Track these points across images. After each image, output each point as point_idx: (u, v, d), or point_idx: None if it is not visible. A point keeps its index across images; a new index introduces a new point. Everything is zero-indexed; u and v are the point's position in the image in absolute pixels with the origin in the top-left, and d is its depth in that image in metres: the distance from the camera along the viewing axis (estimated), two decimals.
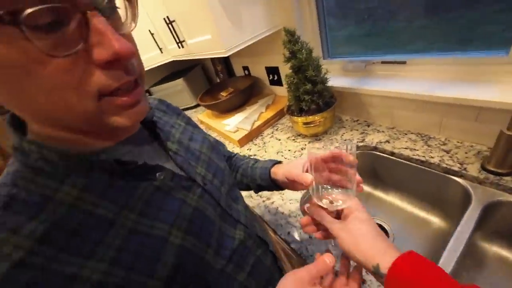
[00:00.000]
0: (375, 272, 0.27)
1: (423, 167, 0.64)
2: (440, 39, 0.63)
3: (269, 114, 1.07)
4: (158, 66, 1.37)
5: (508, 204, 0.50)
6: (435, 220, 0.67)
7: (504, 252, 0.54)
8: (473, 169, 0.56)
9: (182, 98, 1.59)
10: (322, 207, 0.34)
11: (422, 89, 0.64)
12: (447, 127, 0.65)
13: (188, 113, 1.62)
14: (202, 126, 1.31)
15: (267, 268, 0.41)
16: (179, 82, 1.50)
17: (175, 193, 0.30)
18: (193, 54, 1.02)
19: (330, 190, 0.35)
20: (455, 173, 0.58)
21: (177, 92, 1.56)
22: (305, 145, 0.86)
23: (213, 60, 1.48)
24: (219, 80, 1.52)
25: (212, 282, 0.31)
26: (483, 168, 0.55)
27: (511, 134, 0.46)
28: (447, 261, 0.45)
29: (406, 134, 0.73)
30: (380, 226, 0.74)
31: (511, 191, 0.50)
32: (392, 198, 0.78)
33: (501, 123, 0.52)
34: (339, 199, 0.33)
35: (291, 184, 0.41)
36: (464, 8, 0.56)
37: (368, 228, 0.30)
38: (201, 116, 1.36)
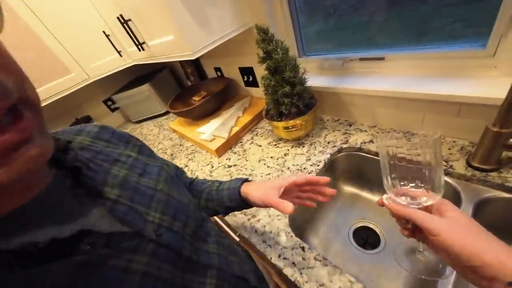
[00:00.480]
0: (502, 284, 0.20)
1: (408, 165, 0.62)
2: (400, 33, 0.62)
3: (247, 118, 1.00)
4: (120, 71, 1.22)
5: (497, 200, 0.49)
6: None
7: None
8: (459, 166, 0.55)
9: (150, 105, 1.45)
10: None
11: (401, 86, 0.62)
12: (429, 123, 0.64)
13: (158, 121, 1.49)
14: (174, 136, 1.20)
15: None
16: (145, 88, 1.36)
17: (113, 262, 0.22)
18: (157, 57, 0.91)
19: (406, 185, 0.31)
20: None
21: (144, 99, 1.42)
22: (288, 150, 0.81)
23: (181, 62, 1.37)
24: (190, 84, 1.41)
25: None
26: (468, 164, 0.54)
27: (497, 131, 0.45)
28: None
29: (389, 132, 0.71)
30: (370, 229, 0.72)
31: (498, 187, 0.49)
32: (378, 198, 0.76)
33: (483, 117, 0.51)
34: (421, 195, 0.29)
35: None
36: (418, 2, 0.56)
37: (476, 226, 0.25)
38: (173, 124, 1.24)
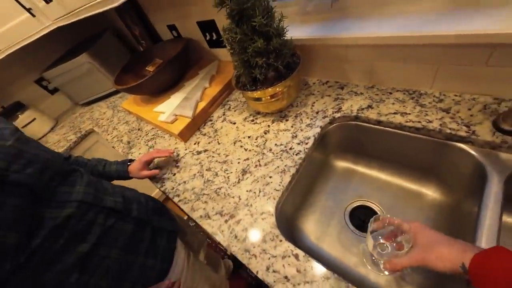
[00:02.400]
0: (464, 271, 0.27)
1: (420, 136, 0.49)
2: None
3: (215, 89, 0.80)
4: (47, 40, 0.91)
5: None
6: (429, 192, 0.57)
7: None
8: (484, 131, 0.43)
9: (97, 82, 1.17)
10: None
11: (411, 27, 0.45)
12: (442, 77, 0.50)
13: (111, 101, 1.23)
14: (131, 118, 0.99)
15: (128, 234, 0.48)
16: (83, 59, 1.07)
17: None
18: (75, 12, 0.64)
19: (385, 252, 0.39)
20: (461, 139, 0.45)
21: (86, 74, 1.13)
22: (268, 126, 0.65)
23: (124, 20, 1.06)
24: (142, 49, 1.13)
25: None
26: (496, 128, 0.42)
27: None
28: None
29: (390, 93, 0.57)
30: (367, 207, 0.62)
31: None
32: (377, 172, 0.66)
33: None
34: (400, 247, 0.37)
35: None
36: None
37: (439, 236, 0.33)
38: (127, 104, 1.01)
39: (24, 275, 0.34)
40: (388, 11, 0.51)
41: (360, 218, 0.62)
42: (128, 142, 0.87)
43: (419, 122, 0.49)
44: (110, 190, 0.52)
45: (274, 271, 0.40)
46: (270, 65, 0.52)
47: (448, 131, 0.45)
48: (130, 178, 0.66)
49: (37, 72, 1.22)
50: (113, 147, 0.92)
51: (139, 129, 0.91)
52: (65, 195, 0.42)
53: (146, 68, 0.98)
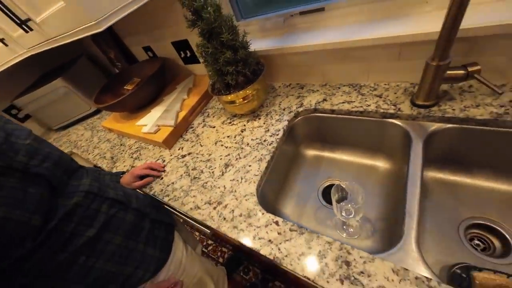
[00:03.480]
0: None
1: (363, 117, 0.62)
2: None
3: (193, 100, 0.88)
4: (16, 69, 0.93)
5: (442, 132, 0.53)
6: (381, 164, 0.70)
7: (450, 177, 0.59)
8: (406, 108, 0.57)
9: (72, 105, 1.19)
10: None
11: (344, 35, 0.59)
12: (374, 71, 0.64)
13: (88, 122, 1.24)
14: (112, 136, 1.02)
15: (129, 223, 0.53)
16: (59, 84, 1.09)
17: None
18: (55, 38, 0.70)
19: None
20: (392, 116, 0.58)
21: (61, 99, 1.14)
22: (244, 125, 0.74)
23: (100, 45, 1.12)
24: (118, 71, 1.18)
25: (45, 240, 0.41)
26: (413, 104, 0.56)
27: (436, 64, 0.46)
28: (412, 204, 0.44)
29: (339, 87, 0.70)
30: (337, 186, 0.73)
31: (440, 119, 0.52)
32: (339, 155, 0.77)
33: (422, 57, 0.52)
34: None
35: None
36: None
37: None
38: (107, 123, 1.04)
39: (42, 253, 0.40)
40: (326, 24, 0.65)
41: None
42: (112, 158, 0.90)
43: (361, 106, 0.62)
44: (112, 185, 0.58)
45: (259, 238, 0.47)
46: (239, 72, 0.63)
47: (382, 110, 0.59)
48: None
49: (5, 101, 1.20)
50: (94, 165, 0.94)
51: (121, 145, 0.94)
52: (74, 186, 0.48)
53: (125, 87, 1.04)
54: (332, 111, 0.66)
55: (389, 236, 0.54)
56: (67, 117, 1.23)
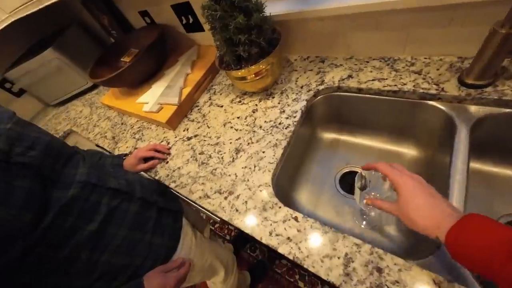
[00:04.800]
0: (439, 241, 0.28)
1: (397, 98, 0.54)
2: None
3: (198, 74, 0.79)
4: (5, 40, 0.84)
5: (494, 117, 0.44)
6: (407, 151, 0.63)
7: (491, 168, 0.52)
8: (451, 87, 0.48)
9: (67, 79, 1.10)
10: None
11: None
12: (412, 42, 0.53)
13: (87, 98, 1.17)
14: (112, 113, 0.95)
15: (134, 214, 0.49)
16: (49, 55, 0.99)
17: None
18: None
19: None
20: (433, 97, 0.49)
21: (54, 72, 1.05)
22: (256, 105, 0.66)
23: (89, 9, 0.99)
24: (114, 41, 1.07)
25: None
26: (461, 83, 0.47)
27: (506, 32, 0.36)
28: (457, 201, 0.38)
29: (367, 62, 0.60)
30: (354, 172, 0.67)
31: (495, 103, 0.44)
32: (360, 139, 0.70)
33: (482, 22, 0.41)
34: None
35: None
36: None
37: (419, 201, 0.31)
38: (106, 99, 0.96)
39: (40, 251, 0.37)
40: None
41: (349, 182, 0.67)
42: (113, 137, 0.84)
43: (395, 85, 0.53)
44: (113, 173, 0.53)
45: (277, 235, 0.43)
46: (253, 41, 0.53)
47: (421, 90, 0.50)
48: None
49: None
50: (96, 145, 0.89)
51: (122, 123, 0.88)
52: (70, 176, 0.43)
53: (122, 59, 0.94)
54: (359, 90, 0.57)
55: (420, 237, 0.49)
56: (64, 92, 1.16)
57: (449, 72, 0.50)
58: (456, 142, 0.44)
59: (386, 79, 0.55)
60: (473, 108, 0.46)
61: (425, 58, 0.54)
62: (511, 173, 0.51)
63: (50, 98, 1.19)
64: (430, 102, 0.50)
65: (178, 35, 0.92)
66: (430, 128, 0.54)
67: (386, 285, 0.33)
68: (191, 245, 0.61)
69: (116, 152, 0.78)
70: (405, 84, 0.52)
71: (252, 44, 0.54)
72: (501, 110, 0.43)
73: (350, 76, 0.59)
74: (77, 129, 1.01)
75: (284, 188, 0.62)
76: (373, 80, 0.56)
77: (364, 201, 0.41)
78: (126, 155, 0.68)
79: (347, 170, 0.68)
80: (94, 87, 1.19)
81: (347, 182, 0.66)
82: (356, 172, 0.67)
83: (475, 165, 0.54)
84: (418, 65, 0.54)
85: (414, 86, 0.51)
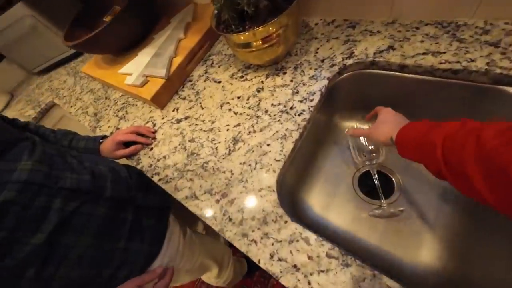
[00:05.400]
0: (392, 144, 0.34)
1: (458, 81, 0.39)
2: None
3: (192, 40, 0.64)
4: None
5: None
6: None
7: None
8: None
9: (47, 43, 0.96)
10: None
11: None
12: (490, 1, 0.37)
13: (72, 66, 1.03)
14: (96, 85, 0.83)
15: (102, 218, 0.40)
16: (20, 11, 0.84)
17: None
18: None
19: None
20: None
21: (31, 34, 0.91)
22: (262, 82, 0.52)
23: None
24: None
25: None
26: None
27: None
28: None
29: (417, 28, 0.44)
30: (379, 172, 0.55)
31: None
32: None
33: None
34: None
35: None
36: None
37: (392, 119, 0.37)
38: (88, 68, 0.83)
39: None
40: None
41: (369, 184, 0.55)
42: (95, 114, 0.73)
43: (458, 62, 0.38)
44: (75, 165, 0.41)
45: (280, 259, 0.33)
46: None
47: (498, 71, 0.35)
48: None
49: None
50: (79, 120, 0.78)
51: (106, 98, 0.76)
52: (4, 174, 0.33)
53: (104, 19, 0.78)
54: (402, 68, 0.42)
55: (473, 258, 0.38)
56: (45, 58, 1.02)
57: None
58: None
59: (445, 52, 0.39)
60: None
61: (506, 24, 0.38)
62: None
63: (32, 65, 1.06)
64: (507, 89, 0.35)
65: None
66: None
67: None
68: (178, 246, 0.53)
69: (98, 133, 0.67)
70: (473, 60, 0.37)
71: None
72: None
73: (391, 47, 0.44)
74: (60, 101, 0.90)
75: (290, 186, 0.50)
76: (424, 53, 0.41)
77: (346, 130, 0.49)
78: (103, 137, 0.57)
79: (368, 169, 0.55)
80: (79, 53, 1.05)
81: (367, 183, 0.54)
82: (380, 173, 0.55)
83: None
84: (494, 33, 0.38)
85: (487, 64, 0.36)
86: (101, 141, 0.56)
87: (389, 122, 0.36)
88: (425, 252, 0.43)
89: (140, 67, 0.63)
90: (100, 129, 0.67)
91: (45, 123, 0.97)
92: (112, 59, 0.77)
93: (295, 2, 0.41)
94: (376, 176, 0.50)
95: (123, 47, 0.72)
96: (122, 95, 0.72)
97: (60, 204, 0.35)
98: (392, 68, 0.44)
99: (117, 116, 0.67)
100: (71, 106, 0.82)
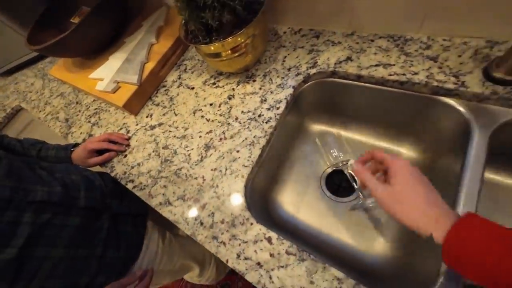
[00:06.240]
0: (431, 240, 0.25)
1: (404, 91, 0.43)
2: None
3: (165, 45, 0.64)
4: None
5: None
6: (405, 151, 0.55)
7: (509, 180, 0.45)
8: (473, 82, 0.38)
9: (9, 42, 0.90)
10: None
11: None
12: (433, 16, 0.41)
13: (39, 67, 0.98)
14: (67, 89, 0.80)
15: (76, 228, 0.40)
16: None
17: None
18: None
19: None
20: (448, 93, 0.40)
21: None
22: (233, 89, 0.54)
23: None
24: None
25: None
26: (486, 76, 0.37)
27: None
28: (469, 208, 0.32)
29: (372, 40, 0.48)
30: (342, 171, 0.59)
31: None
32: (352, 134, 0.61)
33: None
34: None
35: None
36: None
37: (418, 192, 0.27)
38: (56, 71, 0.80)
39: None
40: None
41: (336, 183, 0.59)
42: (66, 120, 0.71)
43: (404, 74, 0.42)
44: (45, 177, 0.42)
45: (245, 258, 0.36)
46: (224, 4, 0.39)
47: (435, 84, 0.39)
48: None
49: None
50: (49, 126, 0.75)
51: (77, 103, 0.74)
52: None
53: (71, 20, 0.75)
54: (359, 77, 0.46)
55: (416, 249, 0.43)
56: (7, 59, 0.96)
57: (472, 61, 0.39)
58: (469, 150, 0.36)
59: (394, 65, 0.44)
60: (496, 110, 0.37)
61: (444, 40, 0.43)
62: None
63: None
64: (445, 99, 0.40)
65: None
66: (436, 129, 0.45)
67: None
68: (157, 250, 0.54)
69: (70, 139, 0.66)
70: (416, 73, 0.41)
71: (224, 9, 0.40)
72: None
73: (349, 58, 0.48)
74: (27, 106, 0.86)
75: (261, 189, 0.54)
76: (377, 65, 0.45)
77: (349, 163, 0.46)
78: (75, 145, 0.57)
79: (334, 169, 0.60)
80: (42, 56, 1.00)
81: (334, 182, 0.59)
82: (343, 172, 0.60)
83: (488, 175, 0.47)
84: (435, 48, 0.43)
85: (427, 76, 0.40)
86: (72, 149, 0.55)
87: (415, 198, 0.27)
88: (381, 243, 0.48)
89: (111, 73, 0.63)
90: (72, 136, 0.66)
91: (12, 129, 0.92)
92: (81, 62, 0.75)
93: (260, 13, 0.43)
94: (350, 172, 0.54)
95: (92, 50, 0.71)
96: (94, 100, 0.71)
97: (30, 218, 0.35)
98: (350, 78, 0.48)
99: (89, 122, 0.66)
100: (40, 111, 0.79)
